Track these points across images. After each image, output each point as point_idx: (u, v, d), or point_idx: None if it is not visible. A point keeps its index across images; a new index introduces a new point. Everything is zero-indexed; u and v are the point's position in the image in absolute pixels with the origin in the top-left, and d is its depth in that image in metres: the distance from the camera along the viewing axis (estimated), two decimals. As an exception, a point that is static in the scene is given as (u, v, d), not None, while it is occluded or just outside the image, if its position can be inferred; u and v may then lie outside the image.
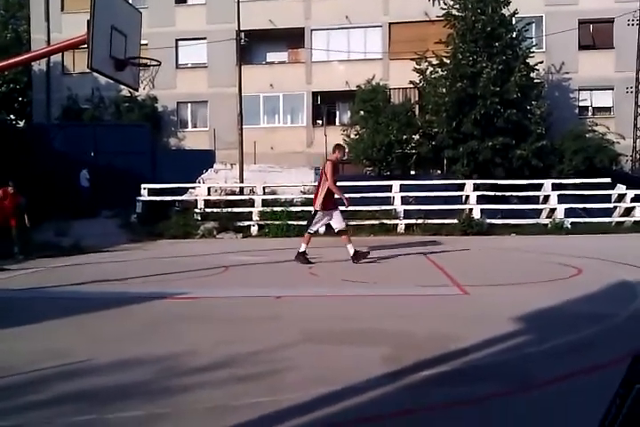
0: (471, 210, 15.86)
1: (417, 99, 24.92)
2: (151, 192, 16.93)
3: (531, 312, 5.65)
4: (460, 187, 17.24)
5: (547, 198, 16.68)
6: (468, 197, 16.60)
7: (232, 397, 3.54)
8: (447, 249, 11.61)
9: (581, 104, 27.05)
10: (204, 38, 28.24)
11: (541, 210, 16.59)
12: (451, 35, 21.94)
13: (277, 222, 15.49)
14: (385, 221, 15.42)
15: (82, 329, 5.44)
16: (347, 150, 16.91)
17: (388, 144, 21.71)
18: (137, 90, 10.86)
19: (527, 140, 20.95)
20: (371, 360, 4.20)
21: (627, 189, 16.66)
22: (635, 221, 15.86)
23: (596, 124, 23.34)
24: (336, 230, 10.00)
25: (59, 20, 28.88)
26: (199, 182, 18.60)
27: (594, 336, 4.85)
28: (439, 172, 23.20)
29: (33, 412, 3.37)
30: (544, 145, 21.11)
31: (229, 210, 15.96)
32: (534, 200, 17.12)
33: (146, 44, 15.32)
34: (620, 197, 16.66)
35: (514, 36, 21.80)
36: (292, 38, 28.89)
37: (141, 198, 16.73)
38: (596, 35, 27.00)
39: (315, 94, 28.70)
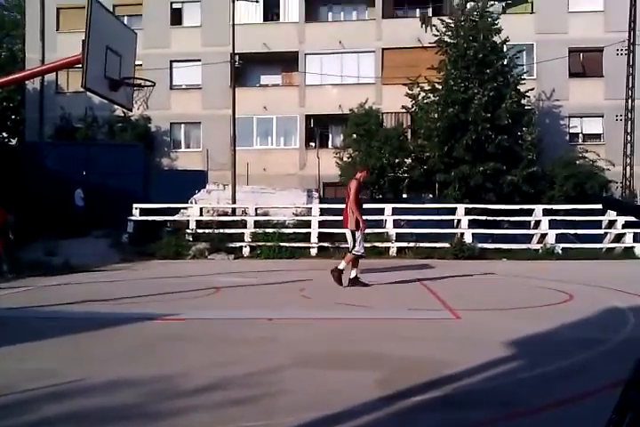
0: (462, 234, 15.92)
1: (409, 123, 25.18)
2: (143, 212, 16.90)
3: (522, 337, 5.65)
4: (452, 211, 17.33)
5: (538, 224, 16.77)
6: (459, 221, 16.68)
7: (225, 420, 3.50)
8: (439, 273, 11.61)
9: (572, 131, 27.39)
10: (199, 60, 28.50)
11: (532, 235, 16.67)
12: (443, 61, 22.27)
13: (269, 244, 15.50)
14: (377, 244, 15.45)
15: (73, 349, 5.39)
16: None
17: (380, 167, 21.87)
18: (130, 110, 10.92)
19: (518, 166, 21.15)
20: (363, 384, 4.18)
21: (617, 215, 16.80)
22: (625, 248, 15.96)
23: (587, 151, 23.52)
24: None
25: (54, 40, 29.05)
26: (191, 203, 18.58)
27: (585, 362, 4.85)
28: (431, 196, 23.33)
29: (23, 433, 3.33)
30: (535, 171, 21.31)
31: (221, 231, 15.96)
32: (525, 225, 17.20)
33: (140, 65, 15.45)
34: (611, 224, 16.79)
35: (505, 63, 22.15)
36: (286, 62, 29.22)
37: (133, 218, 16.70)
38: (585, 63, 27.47)
39: (308, 117, 28.91)
